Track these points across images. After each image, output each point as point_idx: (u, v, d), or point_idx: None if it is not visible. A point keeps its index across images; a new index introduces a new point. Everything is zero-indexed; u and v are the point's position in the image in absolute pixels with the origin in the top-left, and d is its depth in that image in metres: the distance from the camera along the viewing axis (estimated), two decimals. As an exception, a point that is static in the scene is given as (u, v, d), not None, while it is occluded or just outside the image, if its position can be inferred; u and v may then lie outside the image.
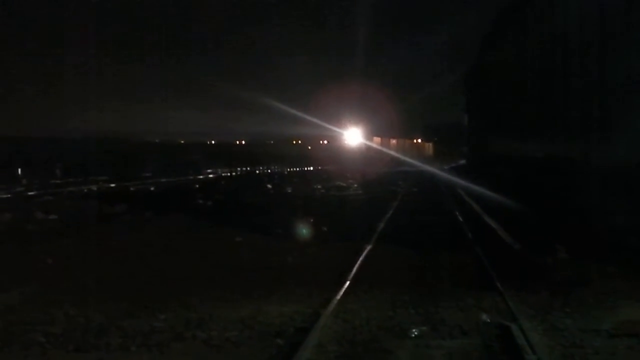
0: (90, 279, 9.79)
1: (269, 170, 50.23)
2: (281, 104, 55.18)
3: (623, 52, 11.66)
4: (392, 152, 72.38)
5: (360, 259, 11.21)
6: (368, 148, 69.56)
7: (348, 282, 9.18)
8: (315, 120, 59.67)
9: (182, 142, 74.33)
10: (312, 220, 17.00)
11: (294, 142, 77.66)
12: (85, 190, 29.64)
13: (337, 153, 63.69)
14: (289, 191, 29.03)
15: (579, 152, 13.79)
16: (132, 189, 31.29)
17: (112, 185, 33.82)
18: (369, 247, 12.40)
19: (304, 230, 15.26)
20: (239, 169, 46.92)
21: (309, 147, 74.65)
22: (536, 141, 18.28)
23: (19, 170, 38.55)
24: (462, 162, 55.68)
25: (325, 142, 75.12)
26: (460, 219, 17.69)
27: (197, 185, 33.37)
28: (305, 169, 53.00)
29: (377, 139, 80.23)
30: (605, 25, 12.43)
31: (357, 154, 64.16)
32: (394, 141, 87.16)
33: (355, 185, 32.13)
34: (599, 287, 8.61)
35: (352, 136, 68.24)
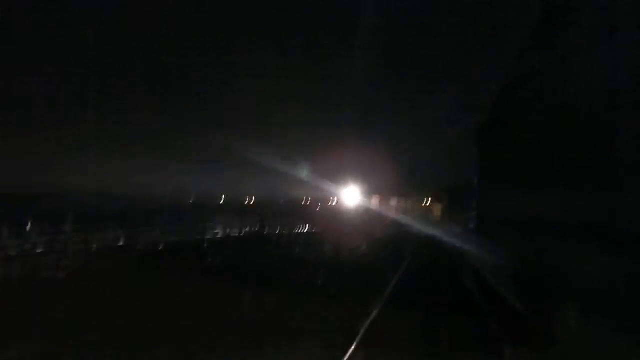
0: (95, 335, 9.79)
1: (278, 231, 50.17)
2: (289, 165, 55.32)
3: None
4: (398, 215, 71.92)
5: (368, 320, 11.17)
6: (374, 210, 69.49)
7: (355, 344, 9.15)
8: (321, 182, 60.06)
9: (191, 201, 74.76)
10: (320, 280, 16.99)
11: (303, 201, 77.78)
12: (94, 247, 29.65)
13: (345, 214, 63.58)
14: (297, 251, 28.95)
15: (602, 213, 13.65)
16: (140, 246, 31.28)
17: (121, 242, 33.83)
18: (376, 310, 12.35)
19: (313, 291, 15.25)
20: (248, 228, 46.85)
21: (318, 208, 74.71)
22: (554, 200, 18.09)
23: (28, 226, 38.67)
24: (471, 225, 55.38)
25: (334, 202, 75.07)
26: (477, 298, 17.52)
27: (206, 244, 33.37)
28: (314, 229, 52.90)
29: (386, 199, 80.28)
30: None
31: (365, 215, 64.02)
32: (395, 201, 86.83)
33: (364, 248, 31.98)
34: (602, 349, 8.55)
35: (359, 197, 68.14)
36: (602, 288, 12.47)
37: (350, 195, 67.21)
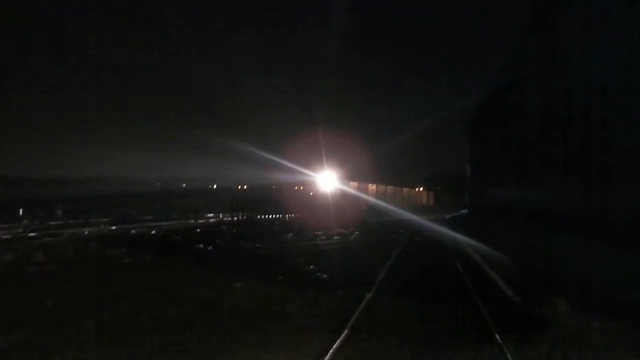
0: (89, 322, 9.74)
1: (270, 216, 50.17)
2: (278, 155, 55.58)
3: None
4: (391, 203, 71.81)
5: (360, 307, 11.14)
6: (367, 198, 69.57)
7: (347, 331, 9.12)
8: (310, 169, 60.60)
9: (184, 185, 75.00)
10: (312, 267, 16.95)
11: (296, 187, 77.68)
12: (86, 233, 29.61)
13: (337, 199, 63.61)
14: (290, 237, 28.91)
15: (585, 203, 13.69)
16: (133, 232, 31.25)
17: (113, 227, 33.81)
18: (369, 296, 12.32)
19: (304, 277, 15.22)
20: (240, 214, 46.90)
21: (311, 193, 74.64)
22: (542, 192, 18.08)
23: (21, 210, 38.65)
24: (464, 211, 55.43)
25: (325, 188, 75.02)
26: (461, 269, 17.53)
27: (198, 230, 33.30)
28: (306, 214, 52.85)
29: (377, 186, 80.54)
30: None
31: (358, 200, 64.09)
32: (386, 189, 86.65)
33: (357, 233, 31.95)
34: (599, 341, 8.54)
35: (348, 183, 68.59)
36: (592, 275, 12.50)
37: (340, 182, 67.47)
